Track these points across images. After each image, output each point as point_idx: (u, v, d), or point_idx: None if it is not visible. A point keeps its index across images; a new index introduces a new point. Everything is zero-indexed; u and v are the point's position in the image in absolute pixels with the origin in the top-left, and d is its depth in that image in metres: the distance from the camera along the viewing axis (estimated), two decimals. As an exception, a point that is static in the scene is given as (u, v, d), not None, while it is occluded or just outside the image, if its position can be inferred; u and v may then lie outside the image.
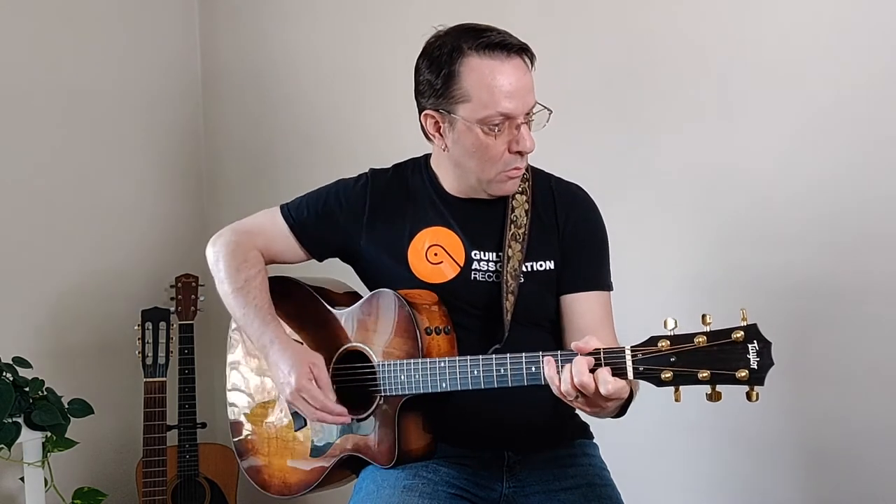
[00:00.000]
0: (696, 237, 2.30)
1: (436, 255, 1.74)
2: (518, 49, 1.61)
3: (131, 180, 3.00)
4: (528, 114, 1.63)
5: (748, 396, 1.28)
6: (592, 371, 1.38)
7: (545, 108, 1.65)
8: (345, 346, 1.76)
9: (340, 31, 2.91)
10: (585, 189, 1.84)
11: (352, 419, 1.70)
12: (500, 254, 1.72)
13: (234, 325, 1.94)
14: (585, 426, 1.86)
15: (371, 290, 1.75)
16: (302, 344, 1.79)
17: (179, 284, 2.81)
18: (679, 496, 2.36)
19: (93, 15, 2.89)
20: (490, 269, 1.73)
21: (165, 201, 3.12)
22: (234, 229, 1.88)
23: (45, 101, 2.74)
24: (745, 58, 2.19)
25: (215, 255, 1.85)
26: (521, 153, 1.66)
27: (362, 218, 1.79)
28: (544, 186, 1.80)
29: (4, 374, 2.36)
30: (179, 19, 3.19)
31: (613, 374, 1.37)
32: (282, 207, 1.86)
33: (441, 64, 1.62)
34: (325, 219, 1.81)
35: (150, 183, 3.07)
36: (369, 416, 1.69)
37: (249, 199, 3.15)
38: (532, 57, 1.64)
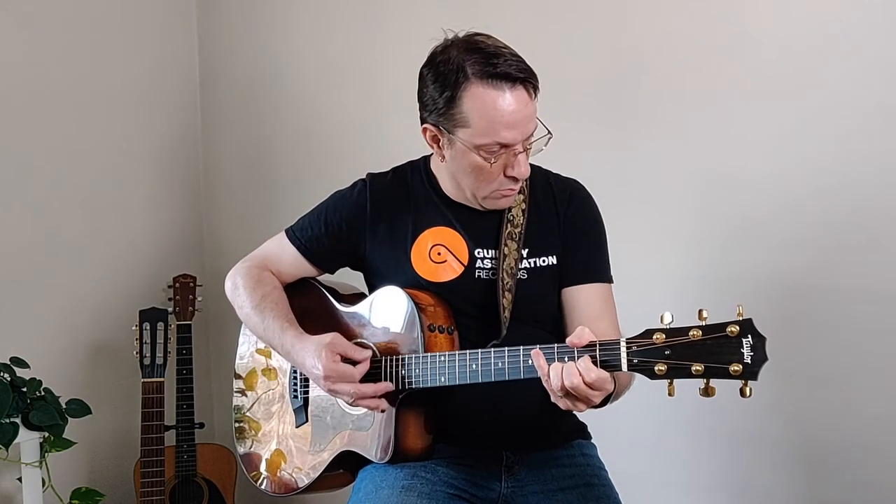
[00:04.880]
0: (693, 240, 2.29)
1: (439, 254, 1.75)
2: (522, 79, 1.60)
3: (129, 180, 3.01)
4: (526, 140, 1.64)
5: (742, 392, 1.28)
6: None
7: (548, 131, 1.66)
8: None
9: (339, 32, 2.92)
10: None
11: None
12: (498, 252, 1.73)
13: (244, 330, 1.96)
14: (583, 426, 1.86)
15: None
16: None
17: (177, 285, 2.82)
18: (676, 496, 2.36)
19: (90, 15, 2.90)
20: (493, 266, 1.74)
21: (163, 201, 3.12)
22: (245, 260, 1.91)
23: (42, 102, 2.75)
24: (745, 61, 2.19)
25: (232, 285, 1.87)
26: (515, 178, 1.67)
27: (365, 223, 1.80)
28: (543, 183, 1.82)
29: (2, 374, 2.36)
30: (177, 20, 3.19)
31: (609, 367, 1.39)
32: (287, 231, 1.88)
33: (445, 84, 1.62)
34: (329, 234, 1.83)
35: (147, 183, 3.07)
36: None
37: (247, 199, 3.16)
38: (536, 87, 1.63)
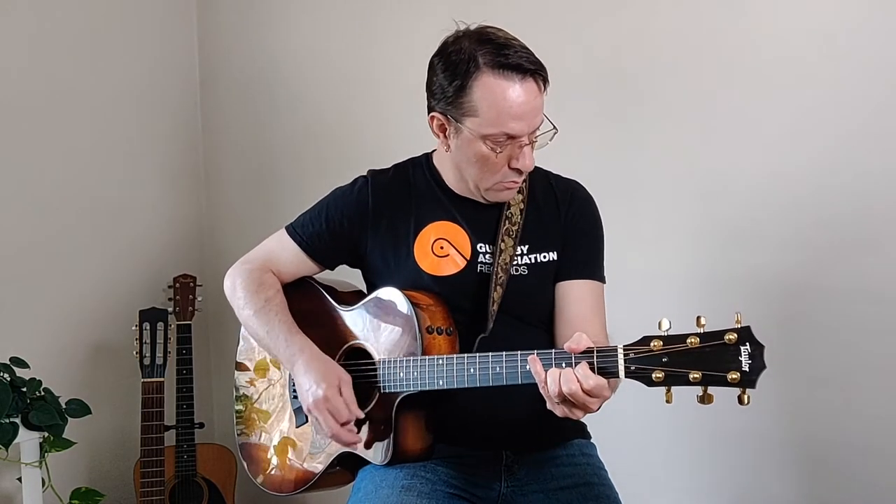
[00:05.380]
0: (692, 238, 2.30)
1: (442, 248, 1.76)
2: (532, 72, 1.61)
3: (129, 180, 3.01)
4: (532, 133, 1.64)
5: (739, 400, 1.28)
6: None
7: (553, 126, 1.66)
8: (349, 343, 1.78)
9: (338, 31, 2.91)
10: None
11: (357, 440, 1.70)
12: (495, 247, 1.74)
13: (244, 331, 1.96)
14: (583, 426, 1.87)
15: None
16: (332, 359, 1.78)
17: (177, 285, 2.82)
18: (676, 496, 2.36)
19: (90, 16, 2.89)
20: (490, 261, 1.75)
21: (163, 201, 3.13)
22: (245, 259, 1.90)
23: (42, 102, 2.74)
24: (741, 59, 2.19)
25: (232, 285, 1.87)
26: (519, 170, 1.68)
27: (367, 220, 1.80)
28: (543, 183, 1.83)
29: (2, 374, 2.36)
30: (177, 20, 3.19)
31: (606, 374, 1.39)
32: (287, 228, 1.88)
33: (455, 73, 1.62)
34: (330, 231, 1.83)
35: (147, 183, 3.07)
36: (368, 412, 1.70)
37: (248, 198, 3.16)
38: (545, 80, 1.64)
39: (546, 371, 1.42)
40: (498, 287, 1.71)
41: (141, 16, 3.05)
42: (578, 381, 1.38)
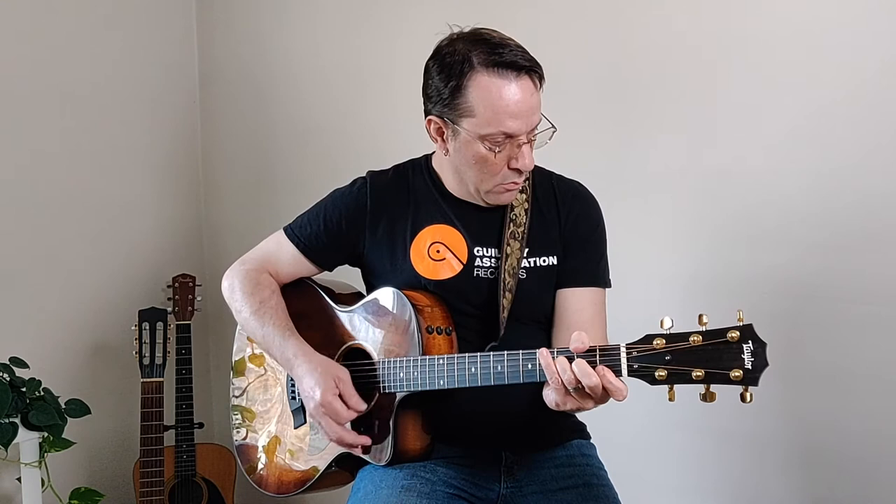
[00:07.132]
0: (692, 237, 2.29)
1: (438, 251, 1.75)
2: (528, 69, 1.60)
3: (128, 180, 3.01)
4: (531, 131, 1.63)
5: (742, 397, 1.28)
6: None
7: (551, 125, 1.65)
8: (348, 344, 1.78)
9: (338, 31, 2.91)
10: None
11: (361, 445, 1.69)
12: (500, 251, 1.73)
13: (240, 328, 1.96)
14: (583, 426, 1.87)
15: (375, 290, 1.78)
16: (328, 358, 1.78)
17: (176, 284, 2.82)
18: (675, 496, 2.36)
19: (90, 16, 2.89)
20: (492, 265, 1.74)
21: (163, 201, 3.12)
22: (243, 260, 1.90)
23: (41, 103, 2.74)
24: (741, 58, 2.19)
25: (229, 286, 1.87)
26: (519, 170, 1.67)
27: (364, 221, 1.80)
28: (546, 184, 1.81)
29: (1, 374, 2.36)
30: (177, 20, 3.19)
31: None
32: (285, 229, 1.88)
33: (450, 74, 1.61)
34: (328, 232, 1.83)
35: (147, 183, 3.07)
36: (367, 413, 1.69)
37: (246, 198, 3.16)
38: (541, 77, 1.63)
39: (555, 361, 1.42)
40: (507, 293, 1.70)
41: (141, 17, 3.05)
42: (598, 376, 1.38)
